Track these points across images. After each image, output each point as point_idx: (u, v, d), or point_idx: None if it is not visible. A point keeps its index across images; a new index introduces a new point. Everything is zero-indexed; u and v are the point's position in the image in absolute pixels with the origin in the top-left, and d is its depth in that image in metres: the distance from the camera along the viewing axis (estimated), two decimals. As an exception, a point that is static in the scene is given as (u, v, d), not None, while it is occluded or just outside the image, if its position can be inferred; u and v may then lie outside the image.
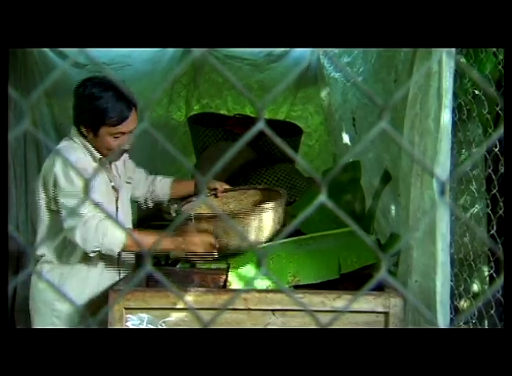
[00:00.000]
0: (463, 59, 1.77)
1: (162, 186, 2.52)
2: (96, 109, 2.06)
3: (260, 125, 0.59)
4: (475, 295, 1.78)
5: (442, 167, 1.63)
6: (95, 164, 2.15)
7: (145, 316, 1.74)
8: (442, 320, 1.61)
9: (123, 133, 2.10)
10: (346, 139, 3.25)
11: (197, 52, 0.59)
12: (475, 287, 1.80)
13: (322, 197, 0.55)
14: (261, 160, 3.40)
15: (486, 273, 1.79)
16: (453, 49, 1.62)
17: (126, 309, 1.74)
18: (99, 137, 2.11)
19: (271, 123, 3.91)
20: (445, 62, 1.60)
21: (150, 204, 2.57)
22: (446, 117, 1.60)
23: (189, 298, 1.76)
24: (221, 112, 3.99)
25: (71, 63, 3.62)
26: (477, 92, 1.76)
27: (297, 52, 3.81)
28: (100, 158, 2.16)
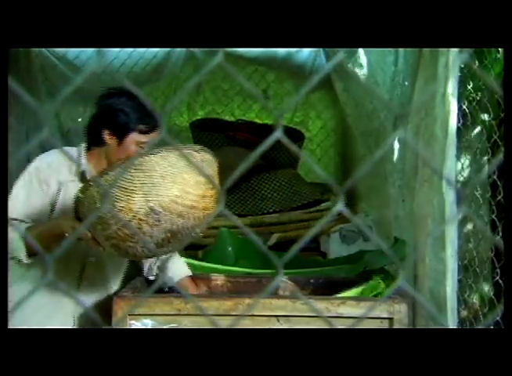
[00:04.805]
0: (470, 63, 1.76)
1: (173, 273, 2.14)
2: (130, 113, 1.90)
3: (277, 134, 0.59)
4: (480, 302, 1.77)
5: (449, 172, 1.63)
6: (69, 178, 1.95)
7: (149, 322, 1.74)
8: (452, 326, 1.61)
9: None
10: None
11: (217, 58, 0.59)
12: (480, 294, 1.79)
13: (340, 206, 0.55)
14: (263, 166, 3.40)
15: (491, 280, 1.78)
16: (456, 52, 1.62)
17: (130, 314, 1.73)
18: (122, 145, 1.91)
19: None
20: (450, 67, 1.60)
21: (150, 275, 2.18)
22: (453, 122, 1.60)
23: (194, 304, 1.75)
24: (226, 118, 4.01)
25: (71, 68, 3.63)
26: (480, 97, 1.76)
27: (301, 56, 3.81)
28: (84, 171, 1.97)
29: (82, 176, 1.97)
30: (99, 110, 1.99)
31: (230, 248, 2.56)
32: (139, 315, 1.74)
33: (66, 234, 1.74)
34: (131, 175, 1.60)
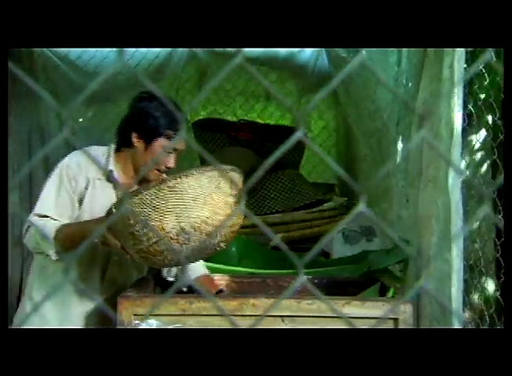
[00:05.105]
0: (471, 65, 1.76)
1: (191, 272, 2.16)
2: (159, 118, 1.94)
3: (299, 134, 0.58)
4: (485, 302, 1.77)
5: (455, 172, 1.63)
6: (97, 176, 2.01)
7: (153, 322, 1.73)
8: (457, 327, 1.61)
9: (175, 150, 1.98)
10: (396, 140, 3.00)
11: (237, 59, 0.58)
12: (485, 295, 1.79)
13: (362, 206, 0.55)
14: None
15: (497, 280, 1.78)
16: (463, 54, 1.62)
17: (135, 315, 1.73)
18: (149, 149, 1.96)
19: (276, 128, 3.95)
20: (456, 67, 1.60)
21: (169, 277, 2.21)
22: (458, 122, 1.60)
23: (199, 304, 1.75)
24: (228, 118, 4.01)
25: (73, 68, 3.63)
26: (486, 96, 1.76)
27: (304, 57, 3.82)
28: (111, 170, 2.02)
29: (109, 176, 2.02)
30: (130, 113, 2.04)
31: (234, 248, 2.56)
32: (144, 315, 1.73)
33: (96, 240, 1.81)
34: (165, 196, 1.68)
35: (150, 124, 1.95)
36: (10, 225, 3.27)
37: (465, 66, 1.73)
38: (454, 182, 1.68)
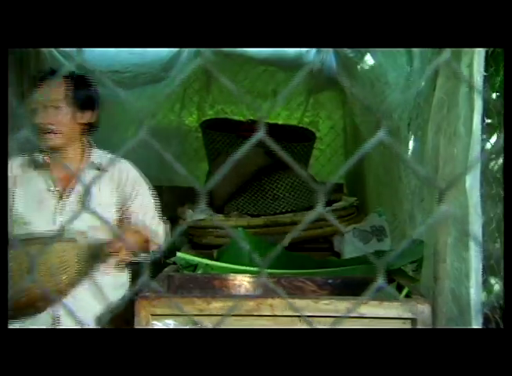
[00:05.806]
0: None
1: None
2: None
3: (381, 134, 0.58)
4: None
5: (473, 172, 1.62)
6: (22, 168, 2.08)
7: (171, 322, 1.72)
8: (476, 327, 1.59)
9: (45, 107, 2.05)
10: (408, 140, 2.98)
11: (326, 54, 0.57)
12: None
13: (444, 207, 0.54)
14: (274, 166, 3.39)
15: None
16: (483, 54, 1.61)
17: (152, 315, 1.72)
18: None
19: (285, 128, 3.92)
20: (475, 66, 1.59)
21: None
22: (477, 121, 1.59)
23: (216, 304, 1.74)
24: (236, 117, 4.00)
25: (79, 68, 3.62)
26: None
27: (311, 56, 3.80)
28: (34, 156, 2.10)
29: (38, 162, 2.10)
30: None
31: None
32: (162, 315, 1.73)
33: None
34: None
35: None
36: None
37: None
38: (472, 182, 1.67)
